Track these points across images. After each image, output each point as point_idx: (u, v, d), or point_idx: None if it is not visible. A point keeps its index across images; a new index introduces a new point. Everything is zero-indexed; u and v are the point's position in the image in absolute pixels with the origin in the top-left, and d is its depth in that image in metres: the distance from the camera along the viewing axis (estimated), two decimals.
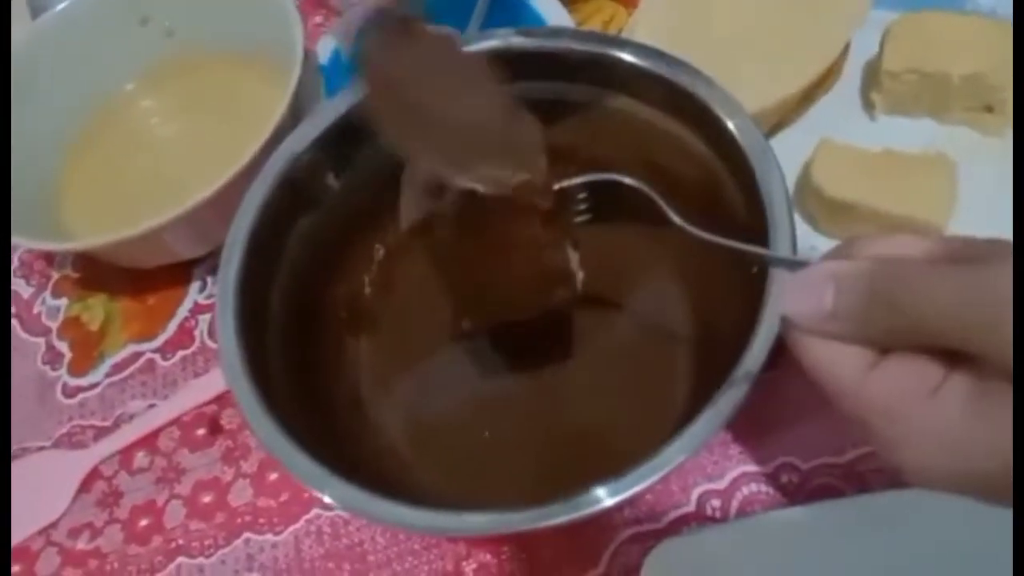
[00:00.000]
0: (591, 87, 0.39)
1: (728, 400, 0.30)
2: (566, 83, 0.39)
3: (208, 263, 0.52)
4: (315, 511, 0.43)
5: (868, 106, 0.48)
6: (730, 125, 0.35)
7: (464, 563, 0.40)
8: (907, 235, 0.27)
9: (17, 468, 0.48)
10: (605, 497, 0.30)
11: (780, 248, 0.32)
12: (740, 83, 0.37)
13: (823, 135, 0.44)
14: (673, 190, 0.40)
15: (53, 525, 0.46)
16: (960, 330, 0.23)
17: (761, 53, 0.46)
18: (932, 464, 0.24)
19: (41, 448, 0.49)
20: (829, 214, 0.44)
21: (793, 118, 0.48)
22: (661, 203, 0.33)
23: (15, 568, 0.46)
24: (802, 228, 0.44)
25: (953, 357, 0.24)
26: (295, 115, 0.48)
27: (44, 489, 0.47)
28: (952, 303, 0.23)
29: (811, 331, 0.27)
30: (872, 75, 0.48)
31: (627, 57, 0.38)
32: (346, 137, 0.41)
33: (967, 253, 0.24)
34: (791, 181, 0.45)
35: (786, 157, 0.35)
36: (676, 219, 0.32)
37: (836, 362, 0.26)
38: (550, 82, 0.39)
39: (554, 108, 0.36)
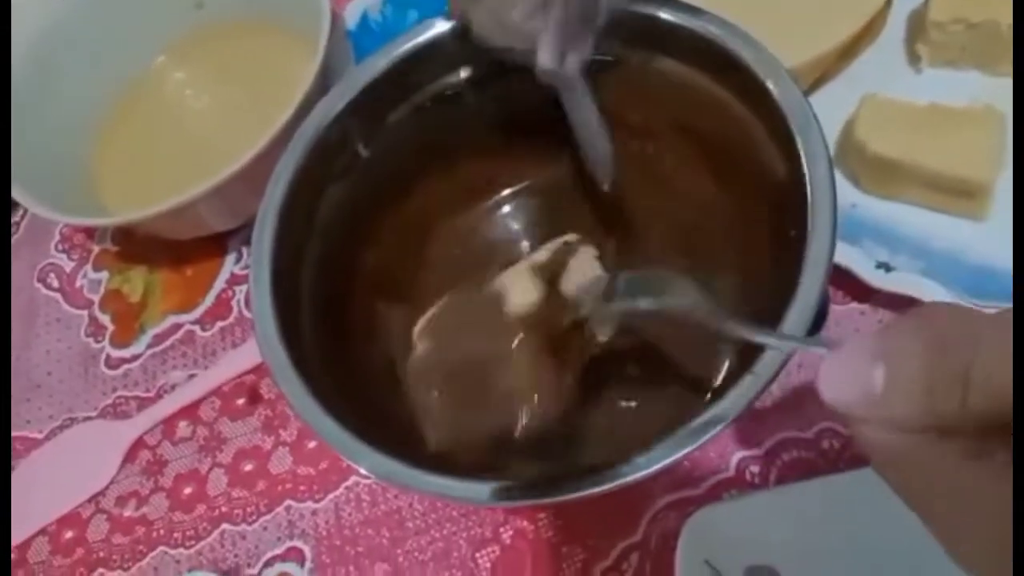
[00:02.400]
0: (624, 45, 0.38)
1: (767, 366, 0.29)
2: (601, 41, 0.38)
3: (243, 234, 0.53)
4: (354, 478, 0.44)
5: (913, 59, 0.46)
6: (768, 82, 0.34)
7: (502, 529, 0.41)
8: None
9: (65, 438, 0.50)
10: (644, 465, 0.29)
11: (820, 212, 0.31)
12: (779, 38, 0.36)
13: (866, 90, 0.43)
14: (711, 151, 0.39)
15: (101, 493, 0.47)
16: None
17: (801, 5, 0.44)
18: None
19: (87, 418, 0.50)
20: (872, 172, 0.42)
21: (834, 73, 0.46)
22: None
23: (68, 534, 0.47)
24: (844, 187, 0.43)
25: None
26: (324, 82, 0.47)
27: (91, 458, 0.49)
28: None
29: (863, 420, 0.21)
30: (917, 26, 0.46)
31: (662, 14, 0.37)
32: (375, 104, 0.40)
33: None
34: (832, 138, 0.44)
35: (827, 114, 0.34)
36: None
37: (891, 445, 0.20)
38: None
39: (591, 67, 0.35)
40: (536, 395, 0.36)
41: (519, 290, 0.38)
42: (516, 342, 0.36)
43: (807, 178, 0.32)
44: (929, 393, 0.19)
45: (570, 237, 0.40)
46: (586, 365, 0.38)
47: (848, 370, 0.21)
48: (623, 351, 0.39)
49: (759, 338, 0.28)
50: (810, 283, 0.30)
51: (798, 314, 0.30)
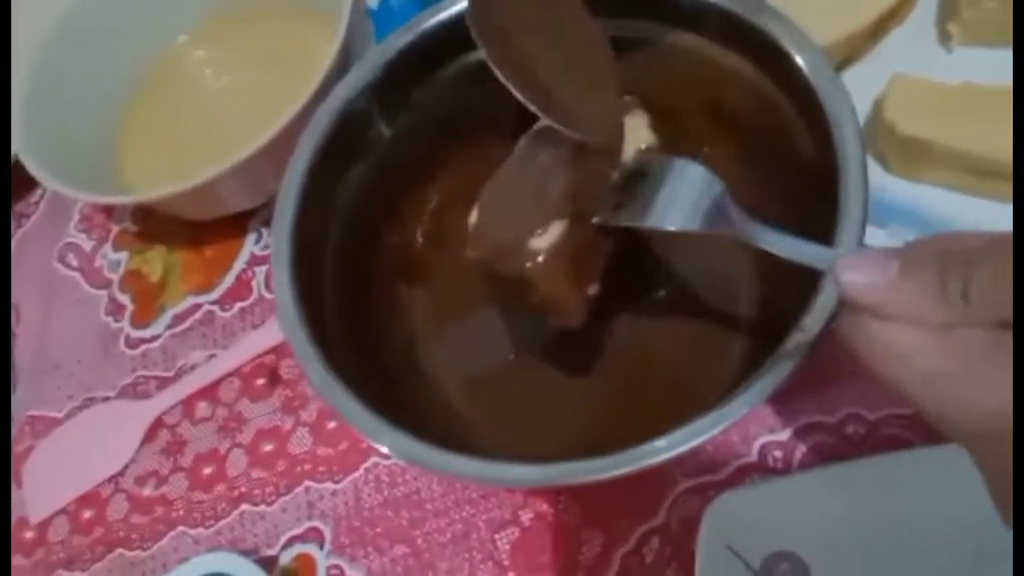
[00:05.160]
0: (654, 23, 0.37)
1: (792, 351, 0.29)
2: (628, 20, 0.38)
3: (263, 215, 0.52)
4: (373, 459, 0.43)
5: (944, 37, 0.45)
6: (798, 59, 0.34)
7: (521, 512, 0.40)
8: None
9: (85, 417, 0.50)
10: (665, 449, 0.29)
11: (852, 191, 0.31)
12: (808, 16, 0.35)
13: (896, 69, 0.42)
14: (737, 131, 0.39)
15: (121, 473, 0.47)
16: None
17: None
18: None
19: (107, 398, 0.50)
20: (902, 154, 0.41)
21: (863, 52, 0.45)
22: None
23: (87, 514, 0.47)
24: (873, 170, 0.42)
25: None
26: (345, 62, 0.47)
27: (111, 438, 0.49)
28: None
29: (873, 309, 0.23)
30: (949, 3, 0.45)
31: None
32: (397, 83, 0.40)
33: None
34: (861, 120, 0.43)
35: (856, 94, 0.34)
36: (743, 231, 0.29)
37: (899, 337, 0.22)
38: (612, 19, 0.38)
39: (615, 46, 0.35)
40: (559, 304, 0.34)
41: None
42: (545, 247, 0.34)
43: (838, 157, 0.31)
44: (940, 280, 0.22)
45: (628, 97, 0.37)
46: (611, 277, 0.36)
47: (867, 260, 0.23)
48: (649, 271, 0.40)
49: (779, 246, 0.28)
50: None
51: (827, 296, 0.29)
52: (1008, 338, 0.21)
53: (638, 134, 0.35)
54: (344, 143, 0.39)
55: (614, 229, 0.33)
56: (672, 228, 0.31)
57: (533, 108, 0.32)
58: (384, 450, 0.31)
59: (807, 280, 0.30)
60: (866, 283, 0.23)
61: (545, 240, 0.33)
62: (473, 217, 0.35)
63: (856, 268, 0.24)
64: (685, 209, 0.31)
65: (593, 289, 0.35)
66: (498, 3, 0.33)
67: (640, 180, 0.33)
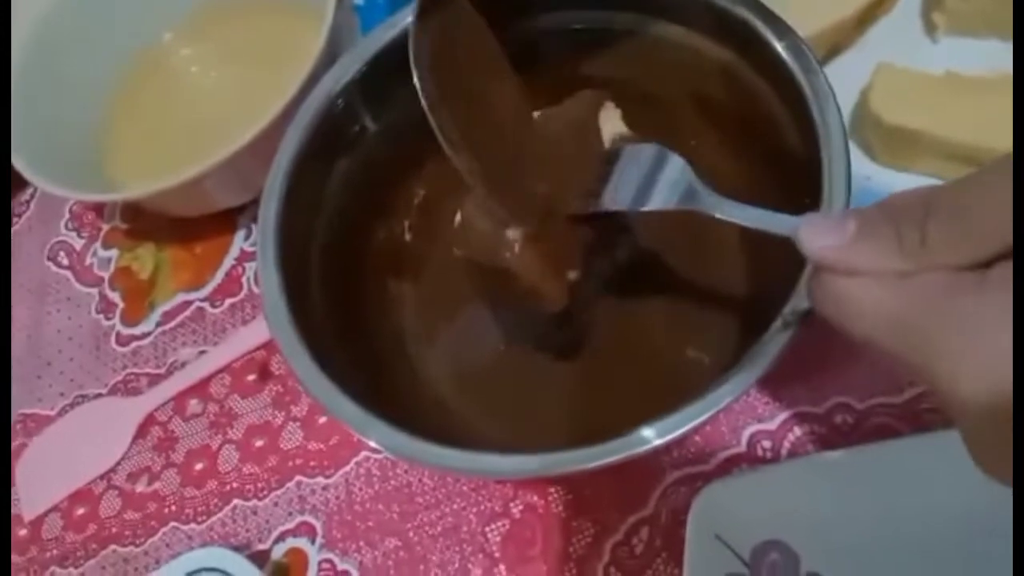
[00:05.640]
0: (636, 14, 0.37)
1: (777, 340, 0.29)
2: (611, 11, 0.38)
3: (252, 211, 0.52)
4: (364, 454, 0.44)
5: (929, 28, 0.45)
6: (779, 48, 0.34)
7: (511, 504, 0.41)
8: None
9: (76, 415, 0.50)
10: (653, 437, 0.29)
11: (836, 181, 0.31)
12: (791, 5, 0.35)
13: (881, 59, 0.42)
14: (720, 123, 0.39)
15: (113, 469, 0.48)
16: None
17: None
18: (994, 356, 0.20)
19: (98, 395, 0.50)
20: (888, 143, 0.41)
21: (850, 42, 0.45)
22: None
23: (80, 511, 0.47)
24: (858, 159, 0.42)
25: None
26: (331, 57, 0.46)
27: (103, 435, 0.49)
28: (1004, 198, 0.21)
29: (834, 267, 0.24)
30: None
31: None
32: (382, 77, 0.40)
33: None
34: (847, 110, 0.43)
35: (841, 84, 0.33)
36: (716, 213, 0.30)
37: (861, 291, 0.23)
38: (594, 11, 0.38)
39: (598, 37, 0.35)
40: (540, 290, 0.35)
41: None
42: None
43: (822, 147, 0.31)
44: (896, 231, 0.23)
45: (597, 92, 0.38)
46: (594, 264, 0.37)
47: (826, 221, 0.25)
48: (634, 259, 0.40)
49: (746, 217, 0.29)
50: None
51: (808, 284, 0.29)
52: (966, 277, 0.21)
53: (612, 124, 0.35)
54: (330, 138, 0.39)
55: (589, 215, 0.34)
56: (643, 209, 0.32)
57: (473, 185, 0.33)
58: (373, 444, 0.31)
59: (793, 265, 0.30)
60: (828, 243, 0.24)
61: (519, 230, 0.33)
62: (458, 217, 0.36)
63: (817, 230, 0.25)
64: (655, 191, 0.32)
65: (573, 274, 0.36)
66: (443, 72, 0.33)
67: (610, 167, 0.34)
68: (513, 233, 0.33)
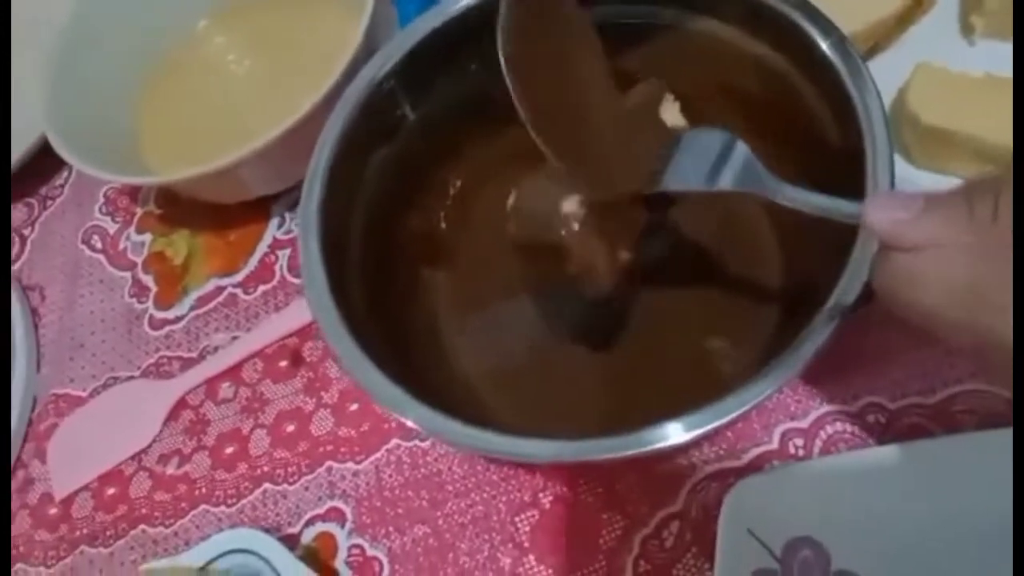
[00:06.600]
0: (680, 9, 0.38)
1: (815, 337, 0.29)
2: (653, 6, 0.38)
3: (285, 199, 0.53)
4: (394, 441, 0.44)
5: (967, 30, 0.45)
6: (823, 45, 0.34)
7: (541, 494, 0.41)
8: None
9: (109, 396, 0.51)
10: (688, 430, 0.29)
11: (880, 178, 0.31)
12: (833, 5, 0.35)
13: (919, 60, 0.42)
14: (760, 118, 0.39)
15: (144, 451, 0.48)
16: None
17: None
18: None
19: (130, 378, 0.51)
20: (925, 144, 0.41)
21: (887, 43, 0.45)
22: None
23: (110, 491, 0.48)
24: (897, 162, 0.42)
25: None
26: (369, 48, 0.47)
27: (134, 417, 0.49)
28: None
29: (903, 239, 0.24)
30: None
31: None
32: (421, 68, 0.41)
33: None
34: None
35: (880, 84, 0.34)
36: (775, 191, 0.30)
37: (929, 263, 0.23)
38: (637, 5, 0.38)
39: (640, 32, 0.35)
40: (591, 267, 0.35)
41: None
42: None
43: (865, 144, 0.31)
44: (967, 205, 0.23)
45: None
46: (641, 248, 0.37)
47: (894, 197, 0.25)
48: (676, 251, 0.40)
49: (807, 202, 0.29)
50: (862, 252, 0.29)
51: (848, 281, 0.30)
52: None
53: (671, 116, 0.35)
54: (370, 126, 0.39)
55: (647, 198, 0.34)
56: (711, 189, 0.32)
57: (547, 153, 0.32)
58: (410, 423, 0.32)
59: (835, 261, 0.30)
60: (895, 217, 0.24)
61: (577, 204, 0.33)
62: (512, 198, 0.36)
63: (884, 206, 0.25)
64: (716, 171, 0.32)
65: (626, 255, 0.36)
66: (528, 42, 0.32)
67: (671, 151, 0.33)
68: (569, 206, 0.34)
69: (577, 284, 0.35)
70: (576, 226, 0.34)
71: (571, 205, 0.34)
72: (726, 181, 0.32)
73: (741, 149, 0.32)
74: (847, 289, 0.29)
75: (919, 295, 0.24)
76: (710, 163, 0.32)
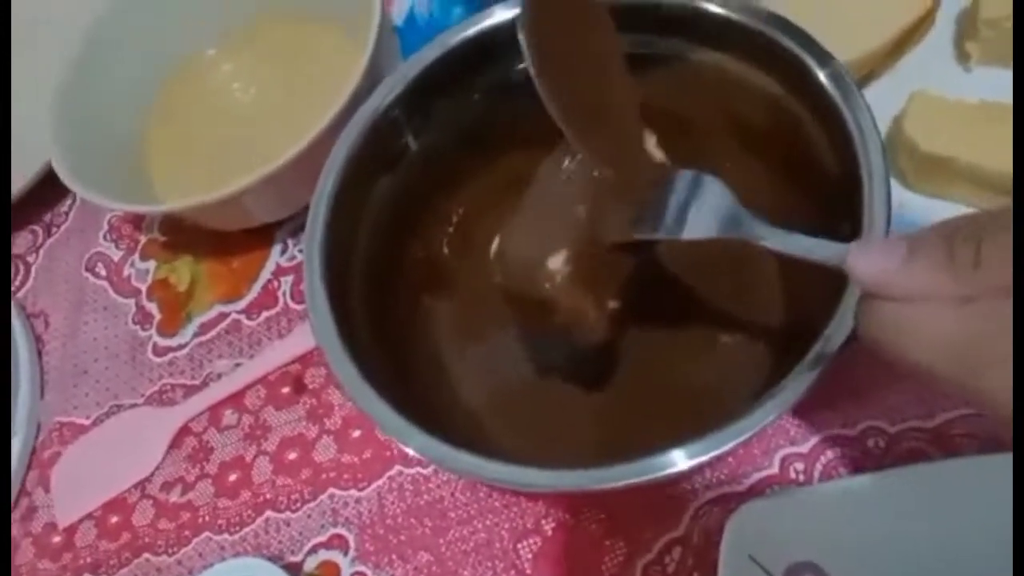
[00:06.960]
0: (679, 40, 0.38)
1: (813, 367, 0.29)
2: (653, 36, 0.39)
3: (288, 226, 0.53)
4: (397, 468, 0.44)
5: (962, 57, 0.46)
6: (819, 74, 0.34)
7: (543, 521, 0.41)
8: None
9: (112, 424, 0.51)
10: (686, 459, 0.29)
11: (876, 205, 0.31)
12: (828, 33, 0.36)
13: (915, 88, 0.43)
14: (757, 146, 0.39)
15: (147, 479, 0.48)
16: None
17: (850, 1, 0.44)
18: None
19: (133, 405, 0.51)
20: (922, 171, 0.42)
21: (882, 70, 0.46)
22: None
23: (114, 519, 0.48)
24: (893, 187, 0.42)
25: None
26: (372, 78, 0.48)
27: (137, 444, 0.49)
28: None
29: (886, 291, 0.24)
30: (968, 23, 0.46)
31: (712, 8, 0.37)
32: (424, 98, 0.41)
33: None
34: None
35: (875, 111, 0.34)
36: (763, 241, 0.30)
37: (917, 315, 0.23)
38: (637, 34, 0.38)
39: (639, 62, 0.36)
40: (580, 320, 0.35)
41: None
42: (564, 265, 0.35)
43: (862, 170, 0.32)
44: (948, 252, 0.22)
45: None
46: (632, 291, 0.37)
47: (876, 246, 0.24)
48: (669, 286, 0.40)
49: (793, 245, 0.28)
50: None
51: (849, 307, 0.30)
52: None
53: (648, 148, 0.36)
54: (374, 154, 0.40)
55: (631, 244, 0.34)
56: (688, 238, 0.31)
57: (573, 141, 0.33)
58: (411, 452, 0.32)
59: (829, 291, 0.30)
60: (877, 268, 0.24)
61: (562, 260, 0.33)
62: (495, 245, 0.36)
63: (866, 255, 0.24)
64: (699, 218, 0.31)
65: (614, 304, 0.35)
66: (549, 32, 0.33)
67: (653, 194, 0.33)
68: (554, 263, 0.34)
69: (567, 333, 0.35)
70: (560, 280, 0.33)
71: (557, 262, 0.34)
72: (699, 228, 0.31)
73: (715, 190, 0.31)
74: (844, 319, 0.30)
75: (906, 348, 0.23)
76: (681, 208, 0.32)
